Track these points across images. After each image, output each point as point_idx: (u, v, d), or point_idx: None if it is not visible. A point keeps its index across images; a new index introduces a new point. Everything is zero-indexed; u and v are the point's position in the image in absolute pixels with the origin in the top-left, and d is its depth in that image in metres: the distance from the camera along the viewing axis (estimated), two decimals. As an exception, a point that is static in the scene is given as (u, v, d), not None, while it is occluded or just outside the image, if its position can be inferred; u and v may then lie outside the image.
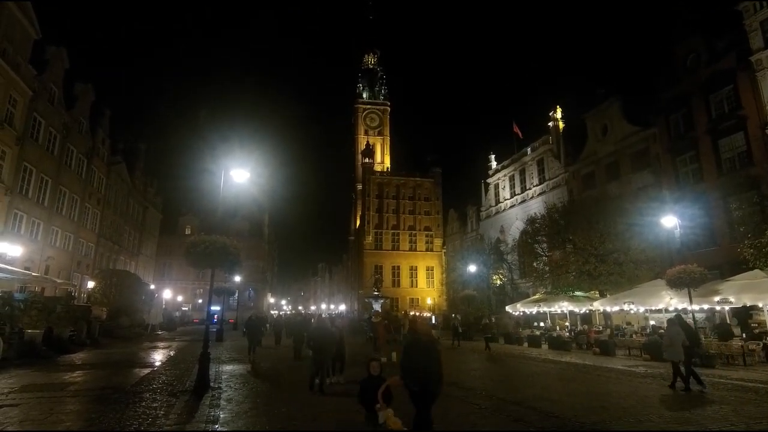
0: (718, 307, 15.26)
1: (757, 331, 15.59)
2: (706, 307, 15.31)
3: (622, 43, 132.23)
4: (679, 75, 23.90)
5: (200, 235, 9.51)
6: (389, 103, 75.17)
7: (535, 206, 34.68)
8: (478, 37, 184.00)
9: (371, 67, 78.99)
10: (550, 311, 24.89)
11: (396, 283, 57.62)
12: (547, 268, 25.66)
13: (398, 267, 58.22)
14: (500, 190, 43.24)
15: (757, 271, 14.38)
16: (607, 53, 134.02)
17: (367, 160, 63.13)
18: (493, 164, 44.99)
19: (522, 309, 25.83)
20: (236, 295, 38.01)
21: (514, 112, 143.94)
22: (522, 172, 39.82)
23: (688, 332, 9.91)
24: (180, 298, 49.20)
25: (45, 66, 24.35)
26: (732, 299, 13.98)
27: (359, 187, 64.89)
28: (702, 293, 14.27)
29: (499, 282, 36.35)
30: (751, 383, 10.27)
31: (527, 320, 29.56)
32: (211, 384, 8.88)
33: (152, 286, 36.52)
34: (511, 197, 41.10)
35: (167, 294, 43.09)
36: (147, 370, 11.49)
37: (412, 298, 56.52)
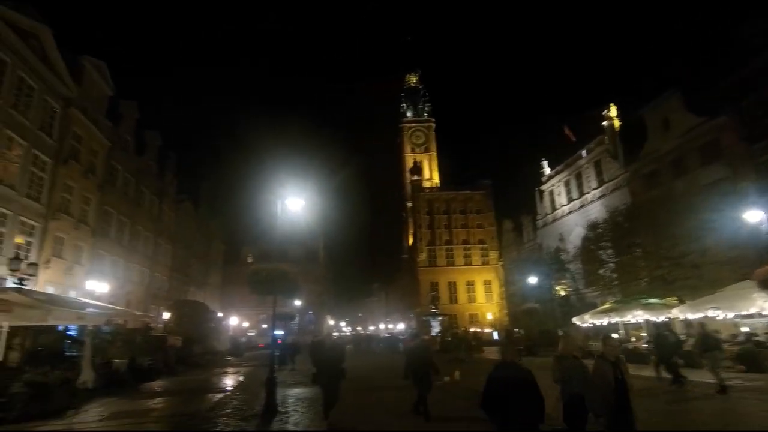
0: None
1: None
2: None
3: (669, 34, 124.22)
4: (745, 57, 22.02)
5: (260, 263, 10.00)
6: (433, 120, 75.53)
7: (595, 211, 32.91)
8: (521, 41, 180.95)
9: (413, 85, 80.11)
10: (622, 321, 23.21)
11: (453, 299, 56.49)
12: (615, 276, 24.01)
13: (454, 283, 57.15)
14: (556, 196, 41.56)
15: None
16: (656, 46, 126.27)
17: (415, 177, 63.44)
18: (546, 170, 43.45)
19: (591, 320, 24.27)
20: (296, 319, 39.03)
21: (564, 115, 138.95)
22: (578, 177, 38.09)
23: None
24: (245, 324, 51.30)
25: (120, 119, 27.10)
26: (840, 299, 12.32)
27: (409, 205, 65.13)
28: (801, 294, 12.71)
29: (563, 293, 34.57)
30: None
31: (597, 332, 27.72)
32: (279, 408, 9.13)
33: (220, 314, 38.44)
34: (569, 203, 39.33)
35: (233, 320, 45.04)
36: (219, 396, 12.04)
37: (471, 314, 55.05)
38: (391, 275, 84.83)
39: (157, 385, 15.12)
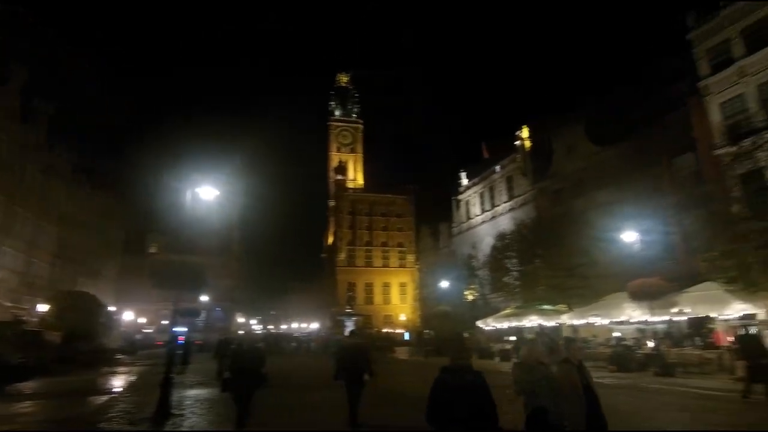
0: (675, 318, 15.90)
1: (710, 340, 16.32)
2: (665, 318, 15.93)
3: (586, 65, 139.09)
4: (640, 96, 25.29)
5: (165, 253, 9.22)
6: (362, 122, 75.79)
7: (505, 222, 35.43)
8: (449, 56, 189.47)
9: (344, 85, 79.67)
10: (520, 325, 25.27)
11: (369, 300, 57.25)
12: (518, 283, 26.10)
13: (371, 284, 57.93)
14: (471, 206, 44.01)
15: (709, 282, 15.13)
16: (573, 74, 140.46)
17: (339, 177, 63.15)
18: (464, 181, 45.86)
19: (493, 324, 26.11)
20: (202, 315, 36.74)
21: (484, 131, 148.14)
22: (491, 190, 40.75)
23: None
24: (143, 320, 47.08)
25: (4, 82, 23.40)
26: (688, 310, 14.62)
27: (332, 204, 64.68)
28: (661, 305, 14.87)
29: (471, 297, 36.71)
30: (707, 391, 10.70)
31: (499, 335, 29.89)
32: (174, 410, 8.49)
33: (113, 308, 34.82)
34: (482, 213, 41.89)
35: (129, 315, 41.06)
36: (104, 398, 10.87)
37: (386, 315, 56.19)
38: (310, 274, 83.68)
39: (30, 386, 13.24)
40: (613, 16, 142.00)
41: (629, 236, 17.99)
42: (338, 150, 72.93)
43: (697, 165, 21.64)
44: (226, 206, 45.58)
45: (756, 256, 14.13)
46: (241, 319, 62.17)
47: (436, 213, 53.25)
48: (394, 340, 39.67)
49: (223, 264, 53.09)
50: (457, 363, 3.58)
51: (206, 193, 9.45)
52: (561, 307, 22.74)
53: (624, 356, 16.27)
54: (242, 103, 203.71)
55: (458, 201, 46.20)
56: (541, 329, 22.57)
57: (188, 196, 9.42)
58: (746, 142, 15.95)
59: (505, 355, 22.24)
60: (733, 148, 17.45)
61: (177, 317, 10.13)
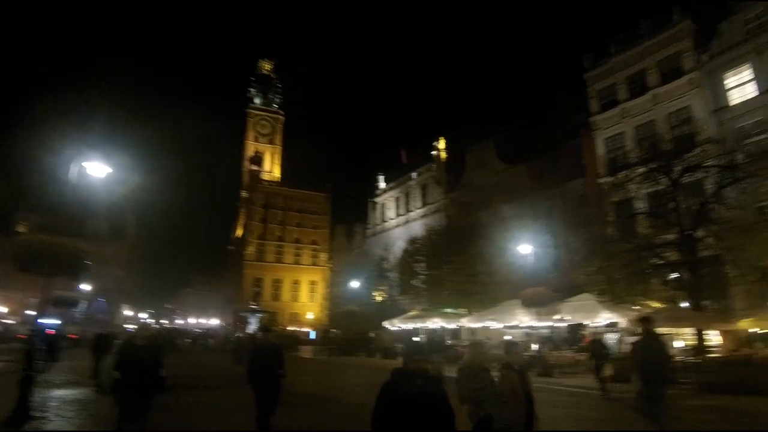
0: (557, 324, 17.83)
1: (583, 344, 18.56)
2: (548, 323, 17.79)
3: (505, 89, 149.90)
4: (547, 123, 28.00)
5: (41, 234, 8.01)
6: (283, 113, 73.26)
7: (417, 228, 36.76)
8: (378, 60, 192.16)
9: (266, 73, 76.20)
10: (424, 327, 26.36)
11: (276, 297, 55.58)
12: (425, 286, 27.27)
13: (280, 280, 56.33)
14: (386, 210, 44.97)
15: (586, 294, 17.20)
16: (492, 95, 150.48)
17: (254, 167, 60.52)
18: (382, 185, 46.71)
19: (399, 325, 26.90)
20: (81, 306, 32.61)
21: (407, 135, 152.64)
22: (407, 195, 42.06)
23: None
24: (3, 309, 40.40)
25: None
26: (568, 317, 16.48)
27: (244, 195, 61.63)
28: (546, 312, 16.57)
29: (380, 298, 37.45)
30: (576, 389, 12.15)
31: (406, 335, 30.87)
32: (34, 413, 7.37)
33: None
34: (396, 217, 43.03)
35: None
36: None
37: (293, 313, 54.97)
38: (215, 267, 78.80)
39: None
40: (535, 46, 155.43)
41: (525, 249, 19.79)
42: (256, 140, 69.72)
43: (584, 190, 24.50)
44: (120, 187, 40.92)
45: (621, 273, 16.39)
46: (128, 312, 56.40)
47: (352, 213, 53.61)
48: (299, 339, 38.98)
49: (114, 251, 47.80)
50: (410, 366, 3.07)
51: (95, 170, 8.37)
52: (462, 310, 24.21)
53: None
54: (157, 85, 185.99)
55: (375, 203, 46.94)
56: (439, 330, 23.78)
57: (73, 171, 8.25)
58: (621, 175, 18.41)
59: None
60: (611, 179, 20.05)
61: (49, 307, 8.84)
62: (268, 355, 6.56)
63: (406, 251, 33.66)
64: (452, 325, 24.72)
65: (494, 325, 20.33)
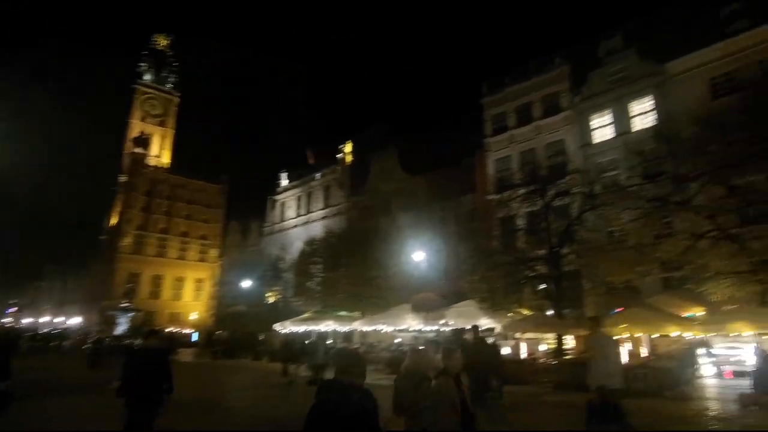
0: (443, 328, 19.02)
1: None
2: (435, 327, 18.89)
3: (411, 101, 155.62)
4: (449, 139, 29.85)
5: None
6: (179, 95, 66.95)
7: (317, 229, 36.42)
8: (290, 55, 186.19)
9: (161, 48, 68.86)
10: (317, 329, 26.11)
11: (155, 294, 50.52)
12: (319, 288, 27.06)
13: (161, 276, 51.34)
14: (286, 208, 43.80)
15: (469, 300, 18.67)
16: (399, 105, 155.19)
17: (139, 149, 54.36)
18: (284, 182, 45.40)
19: (290, 327, 26.25)
20: None
21: (317, 136, 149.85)
22: (309, 195, 41.48)
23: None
24: None
25: None
26: (452, 322, 17.70)
27: (124, 179, 54.87)
28: (434, 316, 17.61)
29: (272, 299, 36.19)
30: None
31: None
32: None
33: None
34: (296, 217, 42.14)
35: None
36: None
37: (174, 312, 50.47)
38: (81, 258, 68.44)
39: None
40: (449, 65, 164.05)
41: (419, 256, 20.83)
42: (143, 119, 62.45)
43: (475, 205, 26.68)
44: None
45: (500, 283, 18.17)
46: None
47: (250, 210, 50.97)
48: (179, 341, 35.83)
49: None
50: (345, 381, 2.76)
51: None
52: (355, 313, 24.53)
53: (399, 360, 18.46)
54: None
55: (275, 201, 45.42)
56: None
57: None
58: (506, 194, 20.47)
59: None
60: (498, 197, 22.18)
61: None
62: (151, 365, 5.39)
63: (303, 252, 33.14)
64: (345, 328, 24.90)
65: (385, 328, 20.99)
